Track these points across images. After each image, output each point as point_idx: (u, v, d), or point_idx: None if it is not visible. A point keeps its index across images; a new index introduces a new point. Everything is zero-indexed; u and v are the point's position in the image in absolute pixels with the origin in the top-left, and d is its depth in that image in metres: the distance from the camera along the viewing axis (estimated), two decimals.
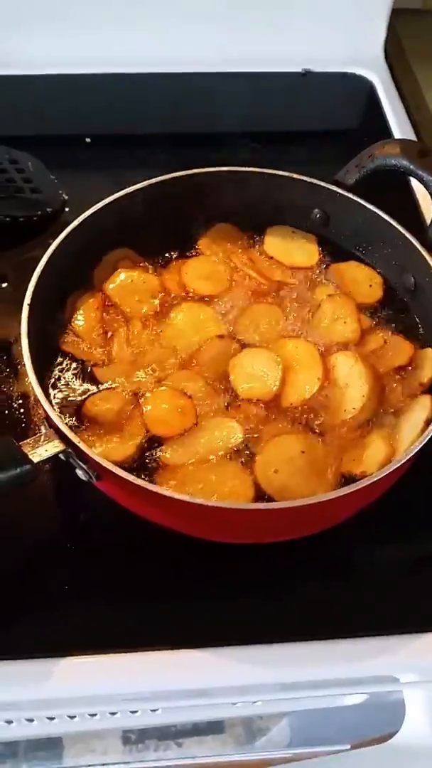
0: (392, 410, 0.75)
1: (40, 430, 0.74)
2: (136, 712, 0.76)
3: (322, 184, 0.85)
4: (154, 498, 0.62)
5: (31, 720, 0.76)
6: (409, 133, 1.15)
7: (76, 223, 0.81)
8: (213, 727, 0.92)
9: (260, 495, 0.69)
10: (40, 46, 1.17)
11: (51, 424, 0.65)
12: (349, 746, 0.95)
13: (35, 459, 0.62)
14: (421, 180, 0.79)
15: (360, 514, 0.71)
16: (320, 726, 0.92)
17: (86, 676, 0.66)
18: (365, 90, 1.24)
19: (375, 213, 0.82)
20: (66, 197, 1.00)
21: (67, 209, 1.00)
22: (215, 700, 0.72)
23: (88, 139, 1.10)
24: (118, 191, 0.84)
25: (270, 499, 0.69)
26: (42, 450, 0.62)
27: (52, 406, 0.66)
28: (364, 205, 0.83)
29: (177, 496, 0.60)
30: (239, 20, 1.21)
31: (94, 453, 0.62)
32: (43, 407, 0.65)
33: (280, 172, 0.86)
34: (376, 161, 0.81)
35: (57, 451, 0.63)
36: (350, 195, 0.83)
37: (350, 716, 0.88)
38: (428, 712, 0.79)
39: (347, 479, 0.70)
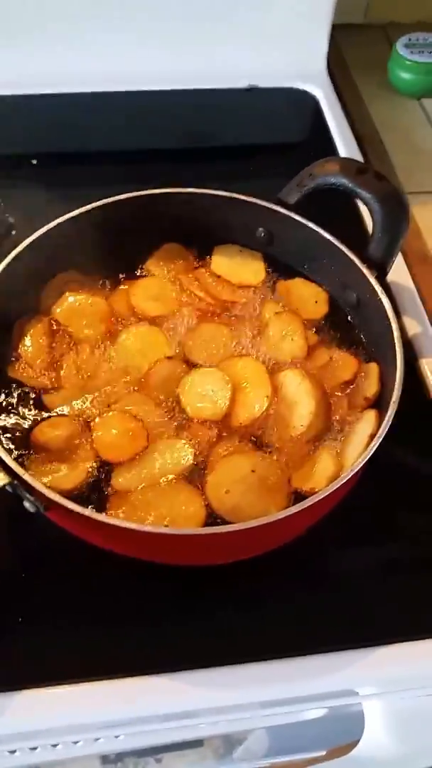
0: (339, 425, 0.77)
1: None
2: (99, 739, 0.76)
3: (264, 203, 0.86)
4: (102, 527, 0.62)
5: None
6: (352, 147, 1.17)
7: (20, 247, 0.80)
8: (191, 741, 0.92)
9: (213, 516, 0.69)
10: None
11: None
12: (324, 752, 0.97)
13: None
14: (359, 197, 0.80)
15: (312, 528, 0.72)
16: (297, 733, 0.93)
17: (45, 709, 0.66)
18: (309, 104, 1.26)
19: (315, 231, 0.84)
20: (12, 221, 0.99)
21: (13, 232, 0.98)
22: (173, 724, 0.72)
23: (34, 161, 1.09)
24: (64, 213, 0.84)
25: (222, 520, 0.69)
26: None
27: None
28: (304, 224, 0.84)
29: (125, 524, 0.60)
30: (182, 37, 1.21)
31: (40, 484, 0.62)
32: None
33: (222, 193, 0.86)
34: (317, 180, 0.82)
35: (2, 484, 0.62)
36: (291, 214, 0.84)
37: (322, 725, 0.89)
38: (386, 723, 0.80)
39: (298, 496, 0.71)
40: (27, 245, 0.80)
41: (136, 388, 0.79)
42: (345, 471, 0.69)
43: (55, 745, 0.75)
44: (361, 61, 1.39)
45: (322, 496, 0.64)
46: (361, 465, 0.66)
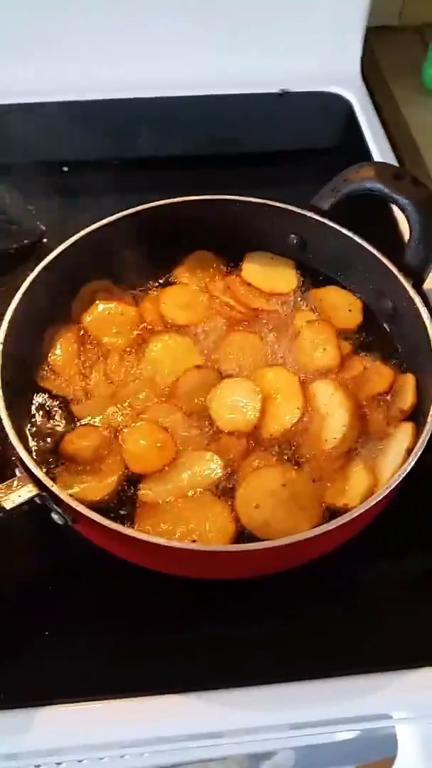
0: (374, 438, 0.74)
1: (14, 472, 0.73)
2: (124, 756, 0.74)
3: (297, 210, 0.84)
4: (129, 541, 0.60)
5: None
6: (386, 151, 1.15)
7: (51, 256, 0.80)
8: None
9: (241, 531, 0.68)
10: (17, 75, 1.17)
11: (24, 468, 0.63)
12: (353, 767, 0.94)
13: (8, 505, 0.60)
14: (396, 203, 0.78)
15: (346, 544, 0.70)
16: (324, 750, 0.91)
17: (70, 725, 0.65)
18: (343, 108, 1.24)
19: (350, 237, 0.81)
20: (43, 228, 0.99)
21: (44, 240, 0.99)
22: (200, 743, 0.70)
23: (65, 168, 1.10)
24: (95, 221, 0.83)
25: (252, 535, 0.67)
26: (15, 495, 0.61)
27: (26, 449, 0.64)
28: (338, 230, 0.82)
29: (152, 539, 0.59)
30: (215, 43, 1.21)
31: (69, 496, 0.61)
32: (16, 451, 0.64)
33: (255, 200, 0.85)
34: (352, 185, 0.80)
35: (31, 496, 0.61)
36: (325, 220, 0.82)
37: (352, 744, 0.87)
38: (421, 748, 0.77)
39: (331, 511, 0.69)
40: (58, 254, 0.80)
41: (164, 398, 0.77)
42: (380, 487, 0.67)
43: (80, 761, 0.74)
44: (396, 64, 1.36)
45: (356, 514, 0.62)
46: (399, 481, 0.63)
